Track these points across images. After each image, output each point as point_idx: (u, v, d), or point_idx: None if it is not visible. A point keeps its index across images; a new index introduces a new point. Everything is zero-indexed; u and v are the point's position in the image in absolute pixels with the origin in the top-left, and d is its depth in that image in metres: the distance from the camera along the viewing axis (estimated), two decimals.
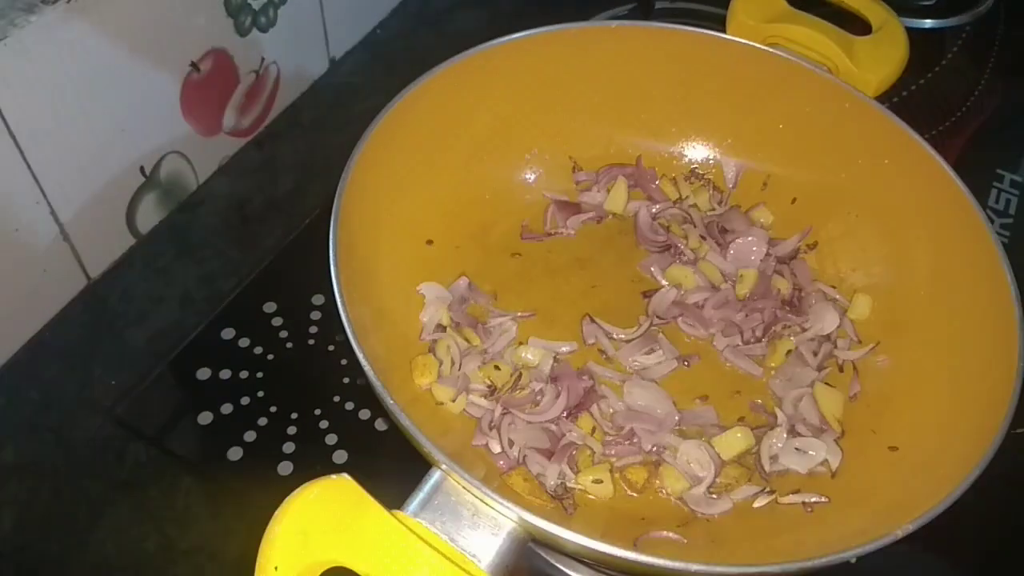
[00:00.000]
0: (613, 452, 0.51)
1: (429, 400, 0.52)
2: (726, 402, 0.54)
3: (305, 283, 0.66)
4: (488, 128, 0.60)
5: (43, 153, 0.58)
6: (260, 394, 0.60)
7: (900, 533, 0.40)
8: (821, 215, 0.60)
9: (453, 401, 0.52)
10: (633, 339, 0.56)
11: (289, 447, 0.58)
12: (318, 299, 0.65)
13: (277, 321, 0.64)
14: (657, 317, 0.57)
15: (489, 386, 0.53)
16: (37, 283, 0.62)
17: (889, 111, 0.57)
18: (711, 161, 0.64)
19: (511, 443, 0.50)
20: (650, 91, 0.62)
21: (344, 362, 0.62)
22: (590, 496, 0.49)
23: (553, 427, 0.51)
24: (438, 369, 0.53)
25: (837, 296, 0.58)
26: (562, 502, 0.49)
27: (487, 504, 0.40)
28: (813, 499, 0.49)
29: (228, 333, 0.64)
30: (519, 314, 0.57)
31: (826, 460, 0.50)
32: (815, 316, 0.57)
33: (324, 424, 0.59)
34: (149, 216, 0.69)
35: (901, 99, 0.79)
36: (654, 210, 0.62)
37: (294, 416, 0.59)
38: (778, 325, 0.57)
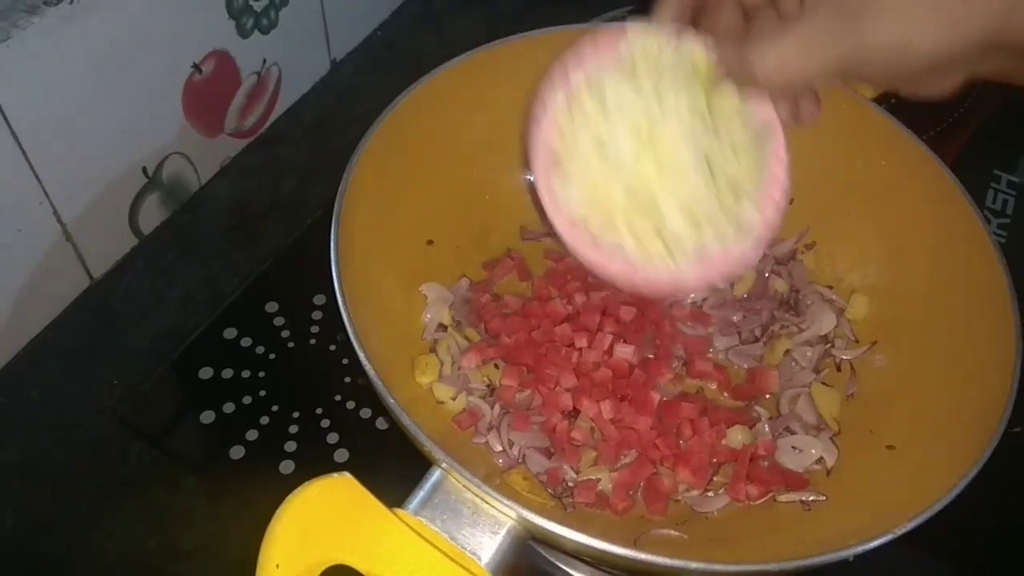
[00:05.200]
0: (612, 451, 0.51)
1: (429, 399, 0.53)
2: (725, 401, 0.54)
3: (306, 283, 0.66)
4: (488, 129, 0.60)
5: (46, 154, 0.58)
6: (262, 393, 0.61)
7: (898, 531, 0.40)
8: (819, 216, 0.60)
9: (453, 400, 0.52)
10: None
11: (291, 446, 0.58)
12: (319, 299, 0.66)
13: (279, 321, 0.65)
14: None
15: (488, 386, 0.54)
16: (40, 283, 0.62)
17: (887, 112, 0.57)
18: None
19: (511, 442, 0.51)
20: None
21: (345, 361, 0.62)
22: None
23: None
24: (439, 368, 0.53)
25: (834, 297, 0.58)
26: (562, 500, 0.49)
27: (487, 502, 0.40)
28: (811, 497, 0.49)
29: (230, 333, 0.64)
30: None
31: (822, 458, 0.51)
32: (812, 316, 0.57)
33: (325, 423, 0.60)
34: (151, 217, 0.70)
35: (899, 100, 0.79)
36: None
37: (296, 415, 0.60)
38: (776, 325, 0.57)
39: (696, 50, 0.41)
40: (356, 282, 0.47)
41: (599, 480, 0.49)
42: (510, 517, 0.40)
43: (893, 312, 0.56)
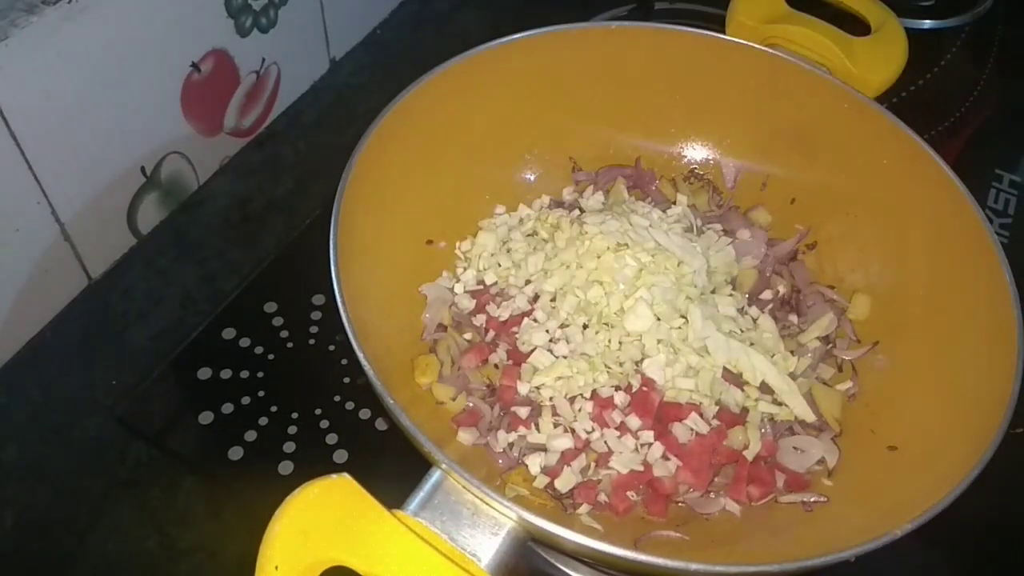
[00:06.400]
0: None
1: (429, 399, 0.52)
2: None
3: (305, 283, 0.66)
4: (488, 128, 0.60)
5: (44, 153, 0.58)
6: (261, 394, 0.61)
7: (899, 532, 0.40)
8: (820, 215, 0.60)
9: (453, 400, 0.52)
10: None
11: (290, 446, 0.58)
12: (318, 299, 0.66)
13: (278, 321, 0.64)
14: None
15: (488, 386, 0.53)
16: (38, 283, 0.62)
17: (888, 111, 0.57)
18: (710, 162, 0.64)
19: (511, 444, 0.51)
20: (650, 91, 0.63)
21: (344, 362, 0.62)
22: None
23: None
24: (439, 369, 0.53)
25: (835, 297, 0.58)
26: (562, 501, 0.49)
27: (487, 503, 0.40)
28: (812, 498, 0.49)
29: (229, 333, 0.64)
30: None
31: (823, 459, 0.51)
32: (813, 316, 0.57)
33: (325, 424, 0.59)
34: (150, 216, 0.69)
35: (900, 99, 0.79)
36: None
37: (295, 416, 0.60)
38: (777, 326, 0.57)
39: None
40: (356, 282, 0.47)
41: (599, 482, 0.49)
42: (510, 518, 0.40)
43: (895, 312, 0.55)
